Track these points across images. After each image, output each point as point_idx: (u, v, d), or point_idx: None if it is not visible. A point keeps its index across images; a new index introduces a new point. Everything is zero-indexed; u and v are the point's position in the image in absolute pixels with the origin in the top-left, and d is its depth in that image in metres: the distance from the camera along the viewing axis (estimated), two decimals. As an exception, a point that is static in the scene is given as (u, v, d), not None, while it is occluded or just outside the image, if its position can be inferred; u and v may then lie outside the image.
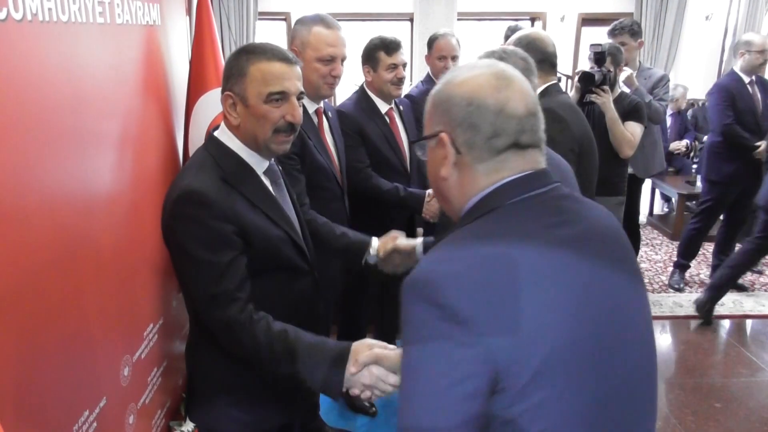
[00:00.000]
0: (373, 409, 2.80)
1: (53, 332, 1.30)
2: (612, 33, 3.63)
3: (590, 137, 2.23)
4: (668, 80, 3.77)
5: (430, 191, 2.40)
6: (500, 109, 0.89)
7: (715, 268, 4.14)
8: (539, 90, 2.19)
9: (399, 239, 1.85)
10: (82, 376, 1.44)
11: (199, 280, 1.35)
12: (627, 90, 3.42)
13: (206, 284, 1.34)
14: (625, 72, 3.46)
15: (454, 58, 3.01)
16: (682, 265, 4.33)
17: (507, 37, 3.88)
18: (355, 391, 1.31)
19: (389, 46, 2.47)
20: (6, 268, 1.11)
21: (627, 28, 3.59)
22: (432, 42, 3.03)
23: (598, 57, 2.99)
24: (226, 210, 1.34)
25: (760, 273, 4.49)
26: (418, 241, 1.84)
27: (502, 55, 1.58)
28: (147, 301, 1.87)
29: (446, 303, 0.79)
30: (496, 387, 0.79)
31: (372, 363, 1.28)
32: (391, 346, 1.32)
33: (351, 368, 1.29)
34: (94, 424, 1.49)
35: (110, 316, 1.59)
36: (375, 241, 1.89)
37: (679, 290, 4.23)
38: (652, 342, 0.95)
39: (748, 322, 3.81)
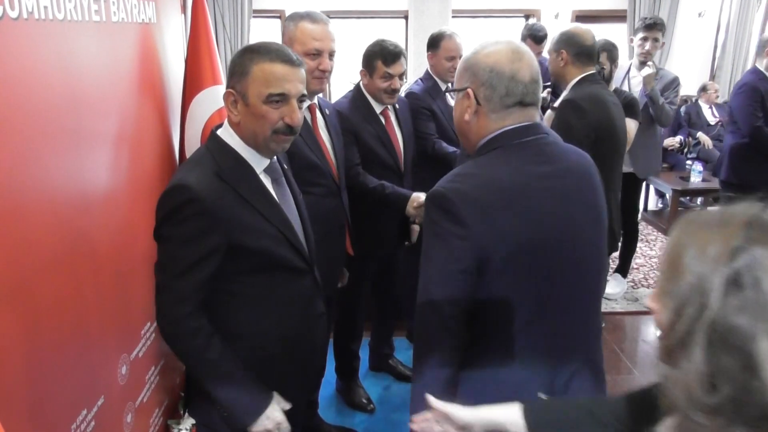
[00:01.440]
0: (371, 405, 2.80)
1: (51, 331, 1.30)
2: (650, 27, 3.52)
3: (610, 126, 2.49)
4: (679, 83, 3.69)
5: (415, 195, 2.48)
6: (512, 76, 1.22)
7: None
8: (575, 80, 2.54)
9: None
10: (80, 375, 1.44)
11: (165, 270, 1.38)
12: (635, 88, 3.42)
13: (168, 275, 1.37)
14: (647, 69, 3.45)
15: (461, 57, 2.99)
16: None
17: (524, 37, 3.87)
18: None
19: (387, 57, 2.44)
20: (3, 267, 1.11)
21: (663, 27, 3.54)
22: (438, 41, 2.98)
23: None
24: (213, 206, 1.34)
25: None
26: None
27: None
28: (144, 300, 1.87)
29: (452, 210, 1.14)
30: (480, 269, 1.15)
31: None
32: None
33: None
34: (92, 423, 1.49)
35: (107, 314, 1.59)
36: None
37: None
38: (599, 261, 1.31)
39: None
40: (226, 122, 1.48)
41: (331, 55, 2.09)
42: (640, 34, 3.55)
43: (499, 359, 1.23)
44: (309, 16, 2.06)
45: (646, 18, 3.60)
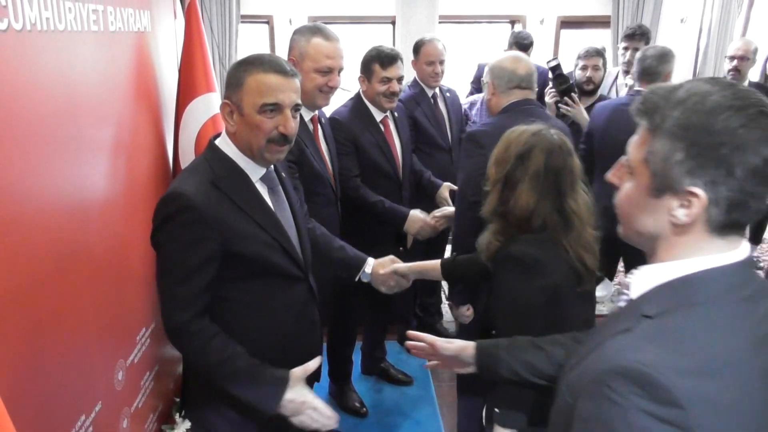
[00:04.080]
0: (364, 409, 2.81)
1: (50, 338, 1.31)
2: (629, 37, 3.54)
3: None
4: None
5: (413, 214, 2.49)
6: (512, 71, 2.13)
7: None
8: None
9: (396, 264, 1.99)
10: (78, 381, 1.45)
11: (165, 277, 1.40)
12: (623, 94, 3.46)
13: (171, 283, 1.39)
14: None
15: (442, 62, 3.02)
16: None
17: (510, 45, 3.92)
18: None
19: (383, 60, 2.46)
20: (1, 274, 1.12)
21: (644, 36, 3.52)
22: (419, 47, 3.03)
23: (557, 72, 3.15)
24: (208, 214, 1.36)
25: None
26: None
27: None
28: (140, 305, 1.88)
29: (480, 142, 2.13)
30: None
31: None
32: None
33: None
34: (90, 428, 1.50)
35: (104, 320, 1.60)
36: (370, 261, 2.01)
37: None
38: None
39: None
40: (224, 132, 1.50)
41: (340, 71, 2.12)
42: (623, 43, 3.58)
43: None
44: (321, 33, 2.07)
45: (629, 27, 3.61)
